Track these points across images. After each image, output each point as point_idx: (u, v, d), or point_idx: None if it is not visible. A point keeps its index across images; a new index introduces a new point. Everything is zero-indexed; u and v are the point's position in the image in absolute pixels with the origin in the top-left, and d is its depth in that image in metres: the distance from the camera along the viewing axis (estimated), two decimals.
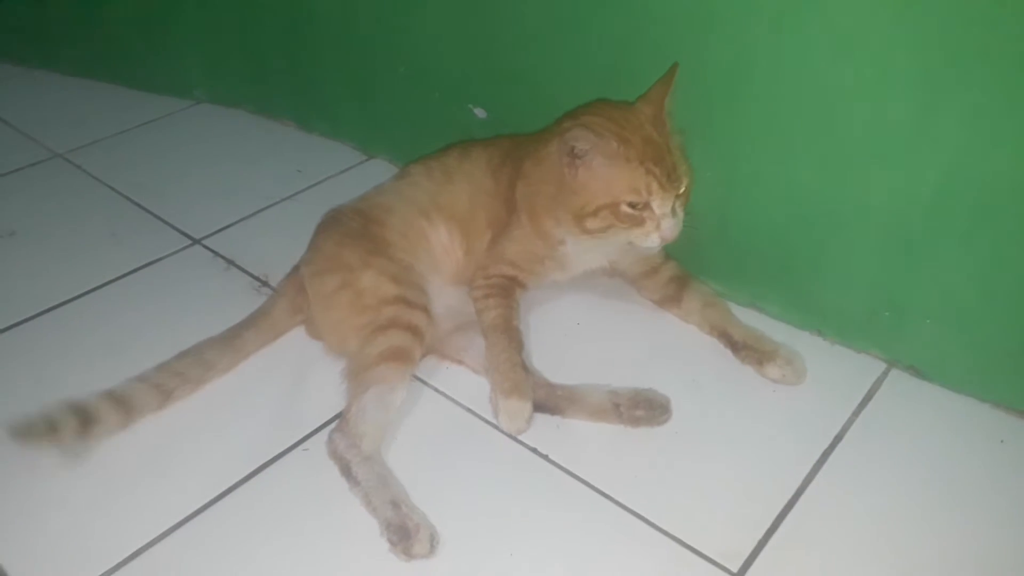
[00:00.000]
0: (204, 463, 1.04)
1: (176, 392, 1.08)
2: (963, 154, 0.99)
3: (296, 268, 1.23)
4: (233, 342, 1.14)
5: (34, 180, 1.63)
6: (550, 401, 1.09)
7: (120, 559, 0.93)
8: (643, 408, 1.07)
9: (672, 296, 1.23)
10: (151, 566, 0.92)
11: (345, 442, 1.00)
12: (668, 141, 1.06)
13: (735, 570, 0.91)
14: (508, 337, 1.11)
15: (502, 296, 1.15)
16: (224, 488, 1.00)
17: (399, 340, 1.05)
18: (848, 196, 1.10)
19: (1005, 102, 0.93)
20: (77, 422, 0.99)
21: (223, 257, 1.41)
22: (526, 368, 1.09)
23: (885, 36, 0.98)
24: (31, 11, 1.96)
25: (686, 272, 1.24)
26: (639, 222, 1.05)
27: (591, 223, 1.07)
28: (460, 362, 1.17)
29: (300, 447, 1.06)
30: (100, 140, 1.76)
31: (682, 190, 1.06)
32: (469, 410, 1.11)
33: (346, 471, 0.99)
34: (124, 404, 1.04)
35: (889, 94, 1.01)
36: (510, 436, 1.07)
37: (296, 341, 1.21)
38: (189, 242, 1.45)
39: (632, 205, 1.04)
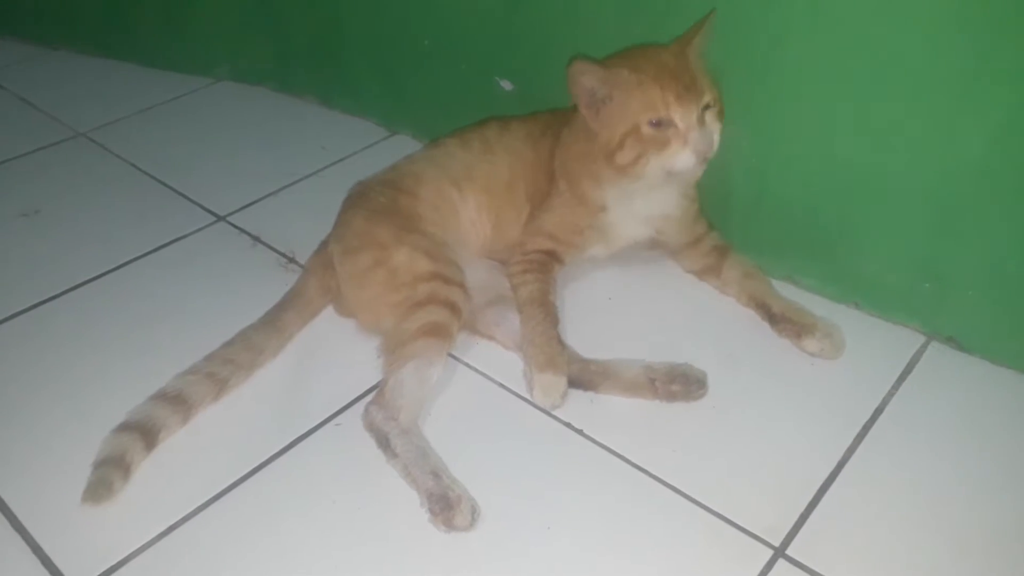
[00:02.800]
0: (237, 439, 1.03)
1: (231, 380, 1.06)
2: (1010, 120, 0.96)
3: (323, 245, 1.22)
4: (275, 324, 1.13)
5: (57, 159, 1.63)
6: (584, 376, 1.07)
7: (153, 536, 0.92)
8: (679, 383, 1.06)
9: (712, 266, 1.21)
10: (183, 542, 0.92)
11: (382, 414, 0.99)
12: (688, 64, 1.03)
13: (777, 544, 0.90)
14: (544, 311, 1.09)
15: (539, 272, 1.14)
16: (258, 463, 1.00)
17: (437, 316, 1.04)
18: (889, 165, 1.07)
19: None
20: (143, 444, 0.98)
21: (248, 234, 1.40)
22: (562, 342, 1.08)
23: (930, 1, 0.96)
24: None
25: (727, 243, 1.22)
26: (664, 143, 1.02)
27: (620, 157, 1.04)
28: (492, 338, 1.16)
29: (332, 422, 1.05)
30: (122, 119, 1.75)
31: (705, 100, 1.02)
32: (502, 385, 1.10)
33: (384, 443, 0.98)
34: (182, 402, 1.02)
35: (934, 61, 0.98)
36: (544, 411, 1.06)
37: (323, 319, 1.20)
38: (214, 219, 1.44)
39: (655, 125, 1.01)
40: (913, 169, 1.06)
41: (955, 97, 0.99)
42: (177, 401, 1.01)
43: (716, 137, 1.03)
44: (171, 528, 0.93)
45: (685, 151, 1.02)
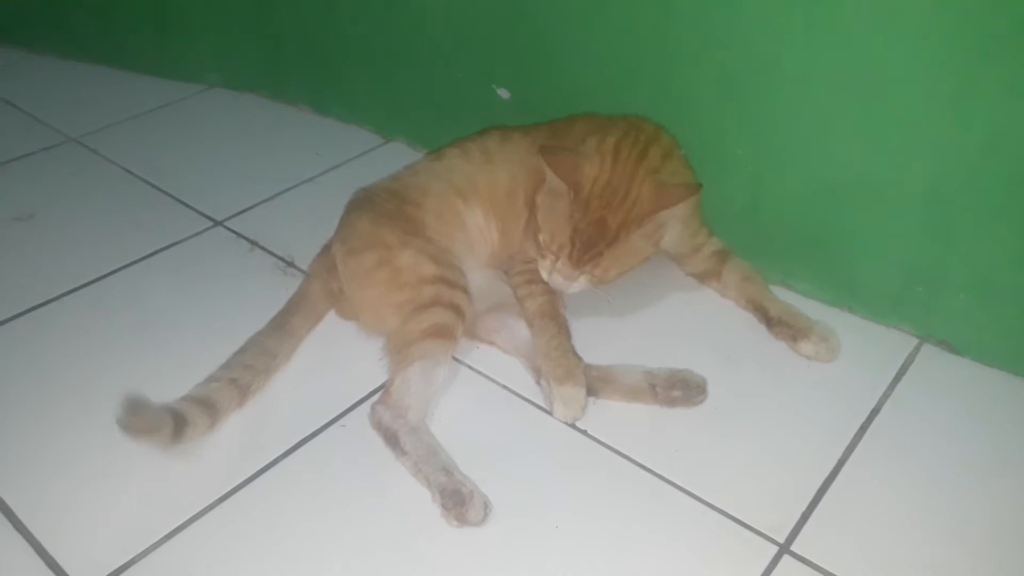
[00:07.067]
0: (241, 442, 1.03)
1: (252, 386, 1.06)
2: (1002, 126, 0.99)
3: (325, 249, 1.23)
4: (284, 328, 1.13)
5: (50, 164, 1.62)
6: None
7: (158, 538, 0.92)
8: (679, 389, 1.07)
9: (712, 270, 1.24)
10: (188, 545, 0.92)
11: (390, 413, 1.00)
12: (624, 236, 1.03)
13: (781, 541, 0.91)
14: (556, 324, 1.10)
15: (544, 282, 1.14)
16: (262, 465, 1.00)
17: (442, 318, 1.05)
18: (883, 170, 1.10)
19: None
20: (173, 424, 0.96)
21: (246, 238, 1.40)
22: (576, 354, 1.09)
23: (925, 9, 0.98)
24: None
25: (727, 248, 1.24)
26: (542, 254, 1.07)
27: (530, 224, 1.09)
28: (492, 343, 1.17)
29: (338, 423, 1.06)
30: (113, 125, 1.75)
31: (593, 273, 1.04)
32: (505, 387, 1.11)
33: (392, 441, 0.99)
34: (209, 406, 1.01)
35: (928, 67, 1.01)
36: (547, 412, 1.07)
37: (324, 322, 1.21)
38: (211, 223, 1.44)
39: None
40: (905, 176, 1.09)
41: (949, 104, 1.02)
42: (206, 405, 1.00)
43: (574, 290, 1.06)
44: (176, 531, 0.93)
45: (544, 274, 1.08)
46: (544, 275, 1.08)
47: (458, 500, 0.91)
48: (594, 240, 1.02)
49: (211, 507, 0.95)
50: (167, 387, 1.03)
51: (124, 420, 0.91)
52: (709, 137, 1.21)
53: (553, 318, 1.10)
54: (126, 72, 1.93)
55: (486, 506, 0.92)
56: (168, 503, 0.95)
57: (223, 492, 0.97)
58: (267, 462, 1.00)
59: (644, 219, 1.02)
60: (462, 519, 0.91)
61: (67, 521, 0.94)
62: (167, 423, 0.94)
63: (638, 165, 1.06)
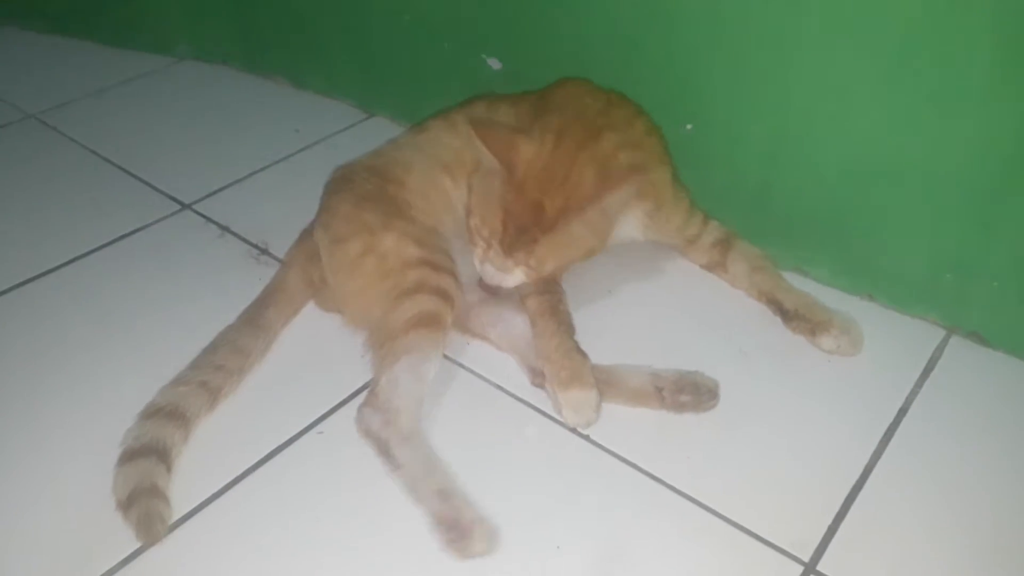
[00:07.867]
0: (204, 454, 0.94)
1: (224, 388, 0.98)
2: None
3: (304, 235, 1.14)
4: (258, 323, 1.05)
5: (5, 143, 1.54)
6: None
7: (121, 558, 0.83)
8: (688, 393, 0.98)
9: (717, 261, 1.15)
10: (154, 563, 0.83)
11: (379, 418, 0.91)
12: (563, 223, 0.94)
13: (806, 560, 0.83)
14: (557, 321, 1.01)
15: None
16: (229, 479, 0.91)
17: (428, 305, 0.96)
18: (912, 147, 1.01)
19: None
20: (164, 468, 0.89)
21: (216, 223, 1.31)
22: (582, 353, 0.99)
23: None
24: None
25: (730, 233, 1.15)
26: (472, 242, 1.01)
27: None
28: (485, 338, 1.08)
29: (314, 430, 0.97)
30: (75, 100, 1.66)
31: (527, 264, 0.97)
32: (501, 388, 1.02)
33: (385, 451, 0.90)
34: (178, 417, 0.92)
35: (966, 37, 0.92)
36: (548, 415, 0.98)
37: (302, 315, 1.11)
38: (178, 207, 1.35)
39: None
40: (937, 154, 1.00)
41: (988, 78, 0.92)
42: (175, 416, 0.92)
43: (510, 284, 1.01)
44: (131, 557, 0.84)
45: (476, 261, 1.01)
46: (476, 265, 1.00)
47: (459, 533, 0.82)
48: (527, 226, 0.94)
49: (171, 529, 0.86)
50: (129, 388, 0.97)
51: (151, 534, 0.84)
52: (719, 111, 1.12)
53: (554, 315, 1.01)
54: (89, 43, 1.83)
55: (491, 536, 0.83)
56: (118, 527, 0.85)
57: (182, 513, 0.88)
58: (233, 477, 0.92)
59: (585, 205, 0.93)
60: (464, 552, 0.82)
61: (17, 545, 0.85)
62: (163, 475, 0.88)
63: (583, 148, 0.97)
